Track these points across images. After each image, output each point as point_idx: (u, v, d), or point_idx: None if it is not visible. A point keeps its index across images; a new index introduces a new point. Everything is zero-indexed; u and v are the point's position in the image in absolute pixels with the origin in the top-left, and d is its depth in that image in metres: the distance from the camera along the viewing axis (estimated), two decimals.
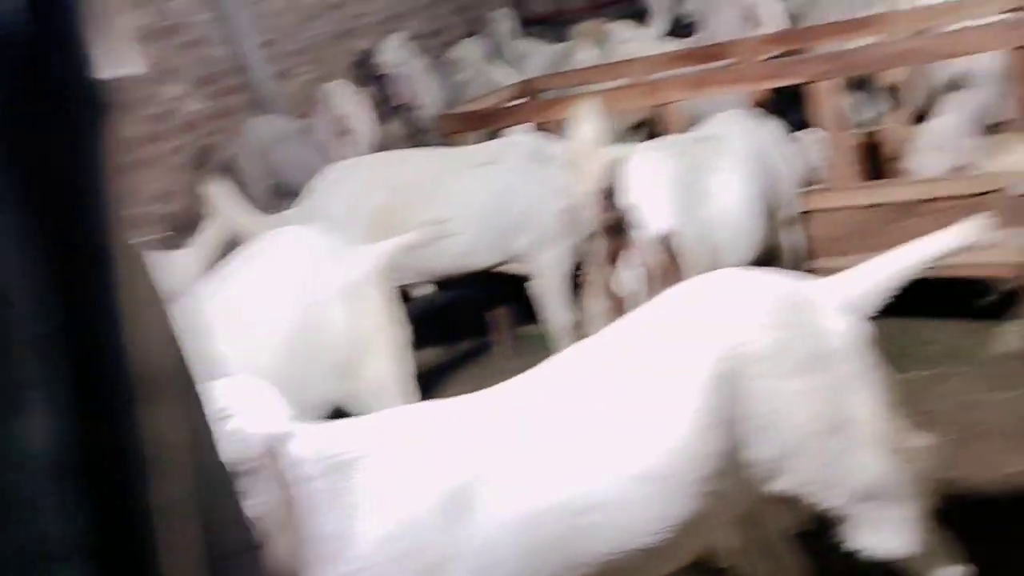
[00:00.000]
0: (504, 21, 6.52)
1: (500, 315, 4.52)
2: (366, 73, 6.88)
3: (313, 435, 1.63)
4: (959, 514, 2.85)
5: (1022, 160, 1.89)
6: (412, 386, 2.67)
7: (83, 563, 0.47)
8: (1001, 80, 3.15)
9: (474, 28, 7.48)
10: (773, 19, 4.50)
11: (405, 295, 4.05)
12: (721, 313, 1.85)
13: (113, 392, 0.49)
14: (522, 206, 3.53)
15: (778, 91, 3.54)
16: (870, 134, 4.02)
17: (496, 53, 6.76)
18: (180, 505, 0.53)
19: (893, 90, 3.89)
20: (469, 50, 6.81)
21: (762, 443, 1.83)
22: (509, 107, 3.98)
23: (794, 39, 4.08)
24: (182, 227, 4.40)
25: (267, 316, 2.46)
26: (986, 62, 3.44)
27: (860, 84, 4.99)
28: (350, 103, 4.91)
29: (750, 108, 4.05)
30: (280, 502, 1.50)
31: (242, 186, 5.96)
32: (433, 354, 5.09)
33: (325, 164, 3.95)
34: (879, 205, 3.31)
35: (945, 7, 3.75)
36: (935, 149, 3.52)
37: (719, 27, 4.76)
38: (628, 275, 2.58)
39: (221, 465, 0.65)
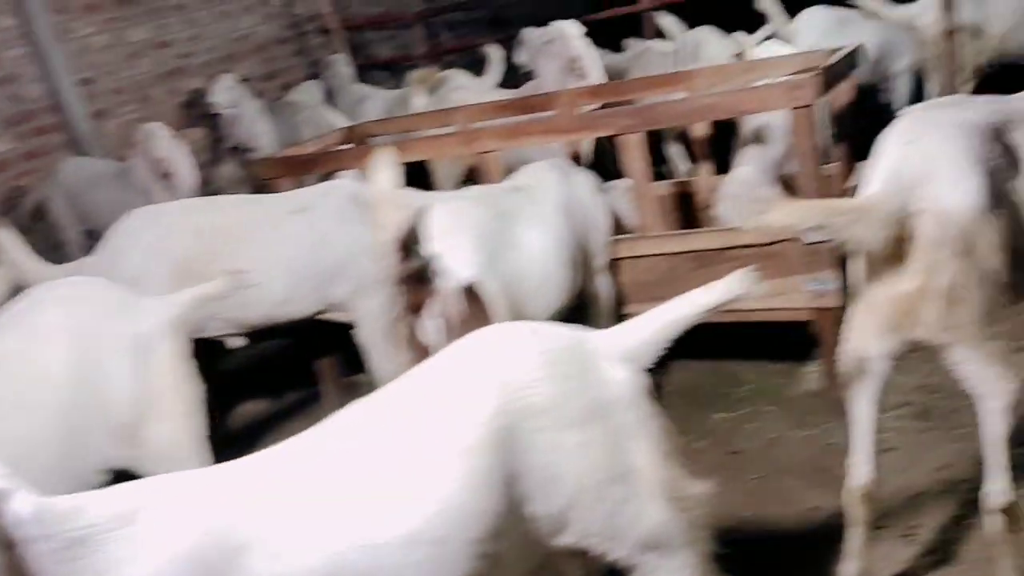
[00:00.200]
0: (342, 65, 6.47)
1: (327, 365, 4.41)
2: (197, 113, 6.67)
3: (49, 501, 1.50)
4: (763, 549, 2.96)
5: (792, 213, 1.99)
6: (204, 449, 2.52)
7: None
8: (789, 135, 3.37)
9: (315, 71, 7.39)
10: (595, 72, 4.64)
11: (222, 347, 3.87)
12: (498, 368, 1.83)
13: None
14: (339, 253, 3.45)
15: (600, 141, 3.65)
16: (682, 184, 4.20)
17: (336, 97, 6.69)
18: None
19: (701, 143, 4.08)
20: (307, 93, 6.71)
21: (545, 497, 1.82)
22: (328, 152, 3.92)
23: (611, 92, 4.23)
24: None
25: (36, 375, 2.27)
26: (780, 118, 3.67)
27: (681, 136, 5.23)
28: (169, 145, 4.71)
29: (569, 158, 4.17)
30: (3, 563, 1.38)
31: (55, 231, 5.62)
32: (258, 407, 4.91)
33: None
34: (686, 252, 3.43)
35: (744, 66, 3.99)
36: (737, 197, 3.69)
37: (546, 78, 4.87)
38: (431, 325, 2.55)
39: None
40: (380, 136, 4.55)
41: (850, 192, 3.04)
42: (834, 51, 3.57)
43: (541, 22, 5.14)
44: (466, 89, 5.36)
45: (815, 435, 3.48)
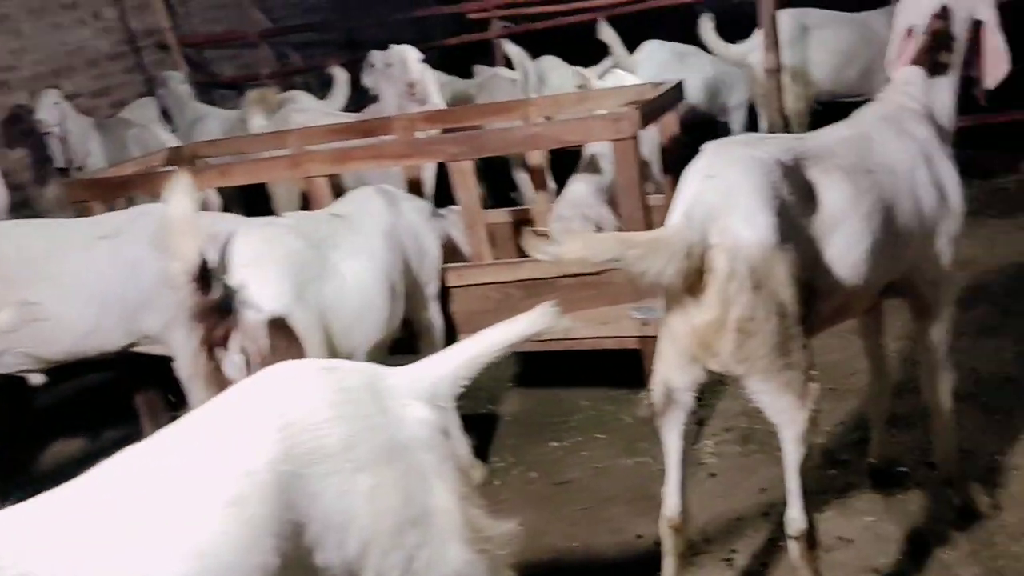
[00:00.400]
0: (177, 82, 6.18)
1: (148, 399, 4.14)
2: (21, 130, 6.22)
3: None
4: None
5: (586, 246, 1.98)
6: None
7: None
8: None
9: (152, 88, 7.04)
10: (435, 97, 4.61)
11: (23, 383, 3.57)
12: (281, 409, 1.72)
13: None
14: (150, 282, 3.23)
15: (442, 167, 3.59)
16: (520, 211, 4.20)
17: (172, 115, 6.38)
18: None
19: (538, 171, 4.09)
20: (140, 111, 6.38)
21: (337, 545, 1.71)
22: (143, 175, 3.69)
23: (448, 118, 4.20)
24: None
25: None
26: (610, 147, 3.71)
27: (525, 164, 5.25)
28: None
29: (409, 183, 4.10)
30: None
31: None
32: (75, 445, 4.58)
33: None
34: (516, 281, 3.41)
35: (578, 96, 4.05)
36: (568, 218, 3.73)
37: (387, 102, 4.80)
38: (234, 361, 2.41)
39: None
40: (209, 158, 4.34)
41: None
42: (659, 85, 3.65)
43: (397, 44, 5.05)
44: (307, 111, 5.21)
45: (644, 463, 3.51)
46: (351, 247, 2.85)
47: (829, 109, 5.83)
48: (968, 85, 2.73)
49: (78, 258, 3.28)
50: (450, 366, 1.97)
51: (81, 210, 3.70)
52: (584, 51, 5.95)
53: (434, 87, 4.58)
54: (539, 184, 4.11)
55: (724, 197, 2.10)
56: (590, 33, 5.88)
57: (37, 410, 4.84)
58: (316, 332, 2.57)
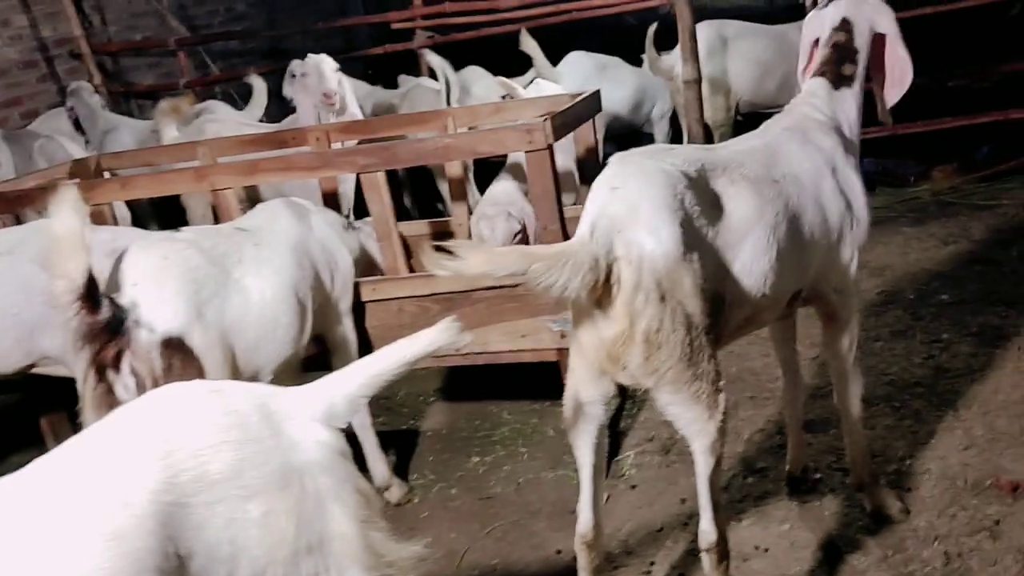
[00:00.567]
0: (88, 92, 5.97)
1: (55, 423, 3.95)
2: None
3: None
4: None
5: (487, 260, 1.93)
6: None
7: None
8: None
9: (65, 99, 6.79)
10: (352, 107, 4.53)
11: None
12: (164, 435, 1.63)
13: None
14: (47, 301, 3.08)
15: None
16: (439, 223, 4.14)
17: (87, 126, 6.15)
18: None
19: (456, 182, 4.04)
20: (52, 122, 6.14)
21: None
22: (42, 188, 3.52)
23: (364, 129, 4.12)
24: None
25: None
26: None
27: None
28: None
29: (323, 195, 4.01)
30: None
31: None
32: None
33: None
34: (432, 295, 3.35)
35: (494, 107, 4.01)
36: (495, 214, 3.68)
37: (304, 112, 4.70)
38: (125, 384, 2.29)
39: None
40: (116, 170, 4.19)
41: None
42: (576, 96, 3.64)
43: (324, 53, 4.95)
44: (222, 121, 5.07)
45: (567, 476, 3.48)
46: (256, 262, 2.75)
47: (750, 120, 5.92)
48: (872, 103, 2.78)
49: None
50: (348, 385, 1.90)
51: None
52: (508, 62, 5.94)
53: (351, 97, 4.50)
54: (458, 195, 4.06)
55: (628, 209, 2.07)
56: (514, 44, 5.86)
57: None
58: (216, 352, 2.46)
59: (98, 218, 3.55)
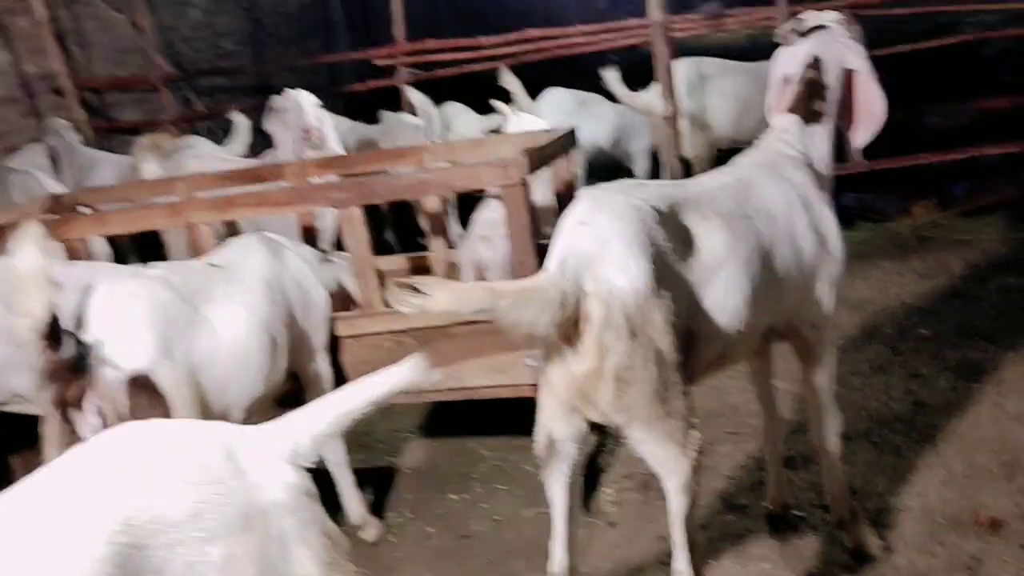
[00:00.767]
0: (64, 128, 5.97)
1: (27, 461, 3.88)
2: None
3: None
4: None
5: (453, 297, 1.91)
6: None
7: None
8: None
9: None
10: (331, 142, 4.53)
11: None
12: (122, 475, 1.59)
13: None
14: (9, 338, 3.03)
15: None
16: (416, 257, 4.13)
17: (64, 162, 6.13)
18: None
19: (434, 217, 4.04)
20: (29, 158, 6.11)
21: None
22: (12, 225, 3.48)
23: (342, 164, 4.12)
24: None
25: None
26: None
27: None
28: None
29: (300, 230, 3.99)
30: None
31: None
32: None
33: None
34: (408, 330, 3.32)
35: (472, 143, 4.02)
36: (491, 235, 3.65)
37: (283, 147, 4.70)
38: (89, 424, 2.25)
39: None
40: (94, 205, 4.16)
41: None
42: (551, 132, 3.65)
43: (308, 89, 4.96)
44: (203, 157, 5.06)
45: (546, 514, 3.40)
46: (227, 298, 2.72)
47: (731, 155, 5.96)
48: (842, 144, 2.79)
49: None
50: (314, 423, 1.86)
51: None
52: (488, 98, 5.97)
53: (331, 132, 4.50)
54: (436, 230, 4.05)
55: (598, 244, 2.06)
56: (494, 81, 5.91)
57: None
58: (184, 390, 2.43)
59: (73, 254, 3.52)
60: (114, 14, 7.77)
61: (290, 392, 3.27)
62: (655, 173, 6.30)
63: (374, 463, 4.04)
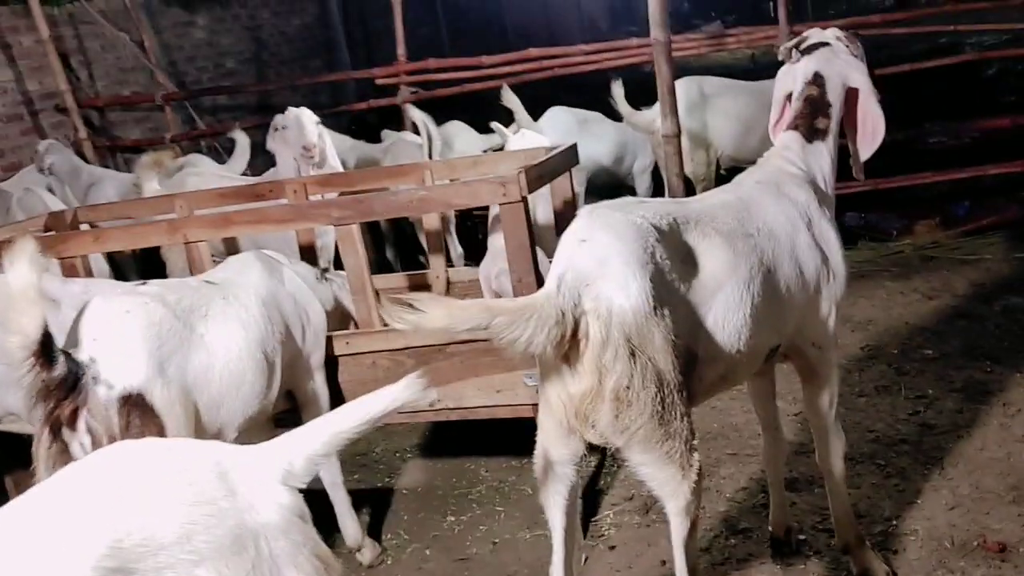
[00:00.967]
0: (62, 147, 5.99)
1: (20, 480, 3.84)
2: None
3: None
4: None
5: (449, 315, 1.88)
6: None
7: None
8: None
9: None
10: (331, 160, 4.52)
11: None
12: (110, 496, 1.55)
13: None
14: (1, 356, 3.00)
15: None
16: (415, 275, 4.10)
17: (65, 180, 6.13)
18: None
19: (430, 235, 4.01)
20: (30, 176, 6.12)
21: None
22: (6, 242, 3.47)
23: (342, 182, 4.11)
24: None
25: None
26: None
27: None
28: None
29: (300, 247, 3.97)
30: None
31: None
32: None
33: None
34: (406, 349, 3.29)
35: (471, 161, 4.01)
36: (505, 272, 3.59)
37: (284, 165, 4.69)
38: (85, 443, 2.21)
39: None
40: (94, 223, 4.15)
41: None
42: (551, 149, 3.64)
43: (311, 108, 4.97)
44: (204, 175, 5.06)
45: (543, 536, 3.37)
46: (222, 316, 2.69)
47: (733, 174, 5.94)
48: (846, 158, 2.77)
49: None
50: (308, 443, 1.82)
51: None
52: (490, 117, 5.97)
53: (332, 150, 4.49)
54: (435, 248, 4.02)
55: (597, 262, 2.03)
56: (496, 100, 5.91)
57: None
58: (177, 409, 2.39)
59: (71, 271, 3.50)
60: (117, 33, 7.81)
61: (286, 411, 3.24)
62: (657, 192, 6.28)
63: (371, 484, 3.99)
